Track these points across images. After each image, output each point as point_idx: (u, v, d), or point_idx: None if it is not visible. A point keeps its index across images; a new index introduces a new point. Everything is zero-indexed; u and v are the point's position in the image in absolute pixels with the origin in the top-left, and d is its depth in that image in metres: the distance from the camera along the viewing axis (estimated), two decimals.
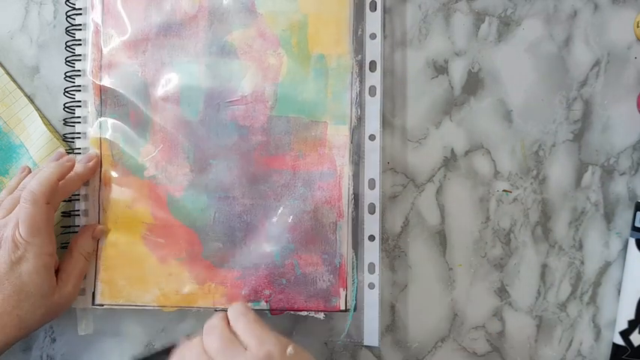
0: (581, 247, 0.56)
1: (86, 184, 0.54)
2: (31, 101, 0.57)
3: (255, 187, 0.54)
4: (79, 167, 0.53)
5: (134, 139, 0.54)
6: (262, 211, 0.54)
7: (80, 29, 0.55)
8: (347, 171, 0.54)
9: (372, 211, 0.55)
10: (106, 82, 0.54)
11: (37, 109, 0.57)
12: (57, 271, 0.51)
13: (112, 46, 0.54)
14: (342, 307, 0.54)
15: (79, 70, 0.55)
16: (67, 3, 0.55)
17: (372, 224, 0.55)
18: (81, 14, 0.55)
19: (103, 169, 0.54)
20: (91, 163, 0.53)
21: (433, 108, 0.56)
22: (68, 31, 0.55)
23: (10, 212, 0.50)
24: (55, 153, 0.54)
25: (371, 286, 0.55)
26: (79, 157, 0.54)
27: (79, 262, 0.52)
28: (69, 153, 0.55)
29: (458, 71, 0.56)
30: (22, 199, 0.48)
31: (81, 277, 0.53)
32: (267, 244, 0.53)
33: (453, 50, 0.56)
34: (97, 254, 0.53)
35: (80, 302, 0.54)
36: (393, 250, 0.56)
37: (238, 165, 0.54)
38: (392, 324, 0.56)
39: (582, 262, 0.56)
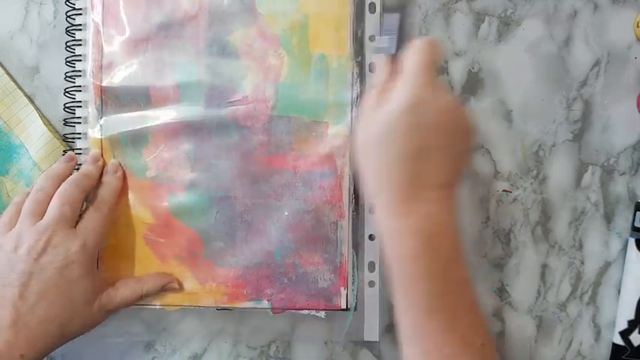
0: (581, 247, 0.56)
1: None
2: (31, 101, 0.57)
3: (256, 187, 0.54)
4: (113, 179, 0.53)
5: (135, 139, 0.54)
6: (263, 210, 0.54)
7: (80, 29, 0.55)
8: (347, 171, 0.54)
9: (372, 210, 0.55)
10: (107, 82, 0.54)
11: (37, 109, 0.57)
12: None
13: (112, 47, 0.54)
14: (343, 306, 0.54)
15: (80, 71, 0.55)
16: (67, 3, 0.55)
17: (372, 224, 0.55)
18: (81, 14, 0.55)
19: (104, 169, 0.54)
20: (119, 173, 0.54)
21: None
22: (68, 31, 0.55)
23: (43, 213, 0.49)
24: (67, 155, 0.54)
25: (371, 284, 0.55)
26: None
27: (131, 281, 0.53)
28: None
29: (458, 71, 0.56)
30: (96, 209, 0.51)
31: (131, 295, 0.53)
32: (268, 243, 0.53)
33: (453, 50, 0.56)
34: (98, 254, 0.53)
35: None
36: None
37: (239, 165, 0.54)
38: (392, 323, 0.56)
39: (582, 262, 0.56)
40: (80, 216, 0.51)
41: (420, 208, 0.41)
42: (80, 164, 0.54)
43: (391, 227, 0.42)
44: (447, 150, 0.42)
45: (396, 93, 0.42)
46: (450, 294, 0.41)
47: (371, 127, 0.43)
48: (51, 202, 0.50)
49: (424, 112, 0.41)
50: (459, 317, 0.41)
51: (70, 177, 0.52)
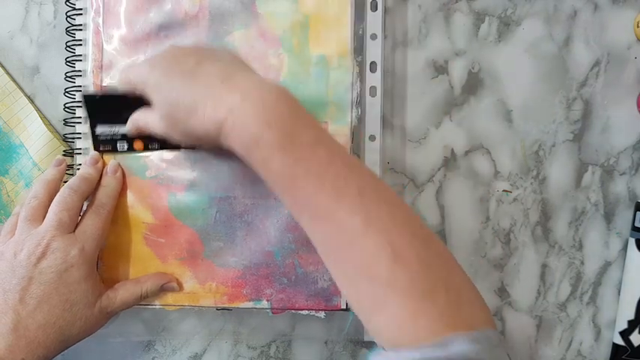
0: (581, 247, 0.56)
1: None
2: (31, 101, 0.57)
3: (256, 187, 0.53)
4: (113, 180, 0.53)
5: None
6: (263, 210, 0.54)
7: (81, 29, 0.55)
8: None
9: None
10: (107, 82, 0.54)
11: (37, 109, 0.57)
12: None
13: (112, 46, 0.54)
14: (343, 306, 0.54)
15: (80, 71, 0.55)
16: (67, 3, 0.55)
17: None
18: (81, 14, 0.55)
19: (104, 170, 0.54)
20: (118, 174, 0.54)
21: (433, 108, 0.56)
22: (68, 31, 0.55)
23: (40, 219, 0.49)
24: (56, 160, 0.54)
25: None
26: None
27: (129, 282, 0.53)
28: (69, 153, 0.55)
29: (458, 71, 0.56)
30: (94, 213, 0.51)
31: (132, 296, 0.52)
32: (268, 243, 0.53)
33: (453, 50, 0.56)
34: (98, 255, 0.53)
35: None
36: None
37: (240, 165, 0.54)
38: None
39: (582, 262, 0.56)
40: (80, 219, 0.51)
41: (237, 90, 0.42)
42: (80, 164, 0.54)
43: (223, 122, 0.42)
44: (207, 57, 0.44)
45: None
46: (304, 160, 0.40)
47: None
48: (49, 209, 0.49)
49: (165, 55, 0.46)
50: (323, 172, 0.40)
51: (69, 181, 0.51)
